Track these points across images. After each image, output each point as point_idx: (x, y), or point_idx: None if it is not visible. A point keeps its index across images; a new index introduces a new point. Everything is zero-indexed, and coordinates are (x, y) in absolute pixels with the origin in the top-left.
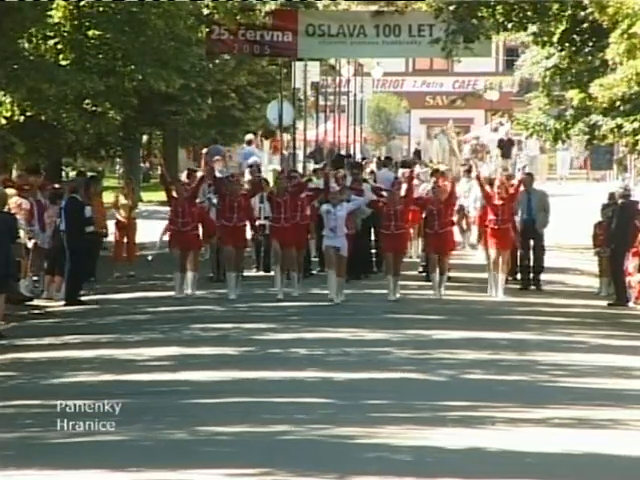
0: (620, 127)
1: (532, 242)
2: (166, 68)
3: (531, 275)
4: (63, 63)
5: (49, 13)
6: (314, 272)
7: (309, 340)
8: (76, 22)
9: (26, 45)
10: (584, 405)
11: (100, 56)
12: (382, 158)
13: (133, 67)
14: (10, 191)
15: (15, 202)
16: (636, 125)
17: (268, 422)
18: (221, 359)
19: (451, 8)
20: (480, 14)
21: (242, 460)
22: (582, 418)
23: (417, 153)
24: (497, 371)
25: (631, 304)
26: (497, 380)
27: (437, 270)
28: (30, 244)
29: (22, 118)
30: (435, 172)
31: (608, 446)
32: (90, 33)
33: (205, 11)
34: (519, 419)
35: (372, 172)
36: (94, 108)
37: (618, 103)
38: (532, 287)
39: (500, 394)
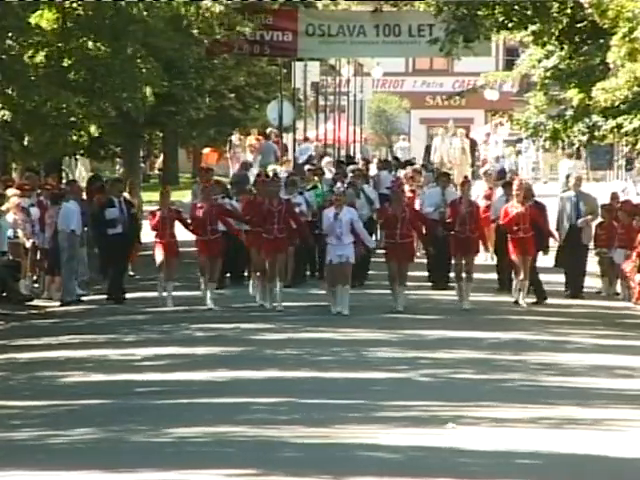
0: (620, 127)
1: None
2: (140, 91)
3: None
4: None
5: (30, 20)
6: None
7: (306, 340)
8: (61, 28)
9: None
10: (580, 405)
11: (81, 72)
12: (382, 159)
13: (111, 88)
14: (12, 191)
15: (14, 202)
16: (636, 124)
17: (263, 422)
18: (218, 359)
19: (451, 7)
20: (480, 13)
21: (237, 460)
22: (578, 418)
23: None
24: (493, 371)
25: (631, 304)
26: (493, 380)
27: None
28: (29, 244)
29: (9, 115)
30: (442, 175)
31: (604, 446)
32: (74, 43)
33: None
34: (514, 419)
35: (365, 175)
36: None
37: (619, 104)
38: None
39: (496, 394)
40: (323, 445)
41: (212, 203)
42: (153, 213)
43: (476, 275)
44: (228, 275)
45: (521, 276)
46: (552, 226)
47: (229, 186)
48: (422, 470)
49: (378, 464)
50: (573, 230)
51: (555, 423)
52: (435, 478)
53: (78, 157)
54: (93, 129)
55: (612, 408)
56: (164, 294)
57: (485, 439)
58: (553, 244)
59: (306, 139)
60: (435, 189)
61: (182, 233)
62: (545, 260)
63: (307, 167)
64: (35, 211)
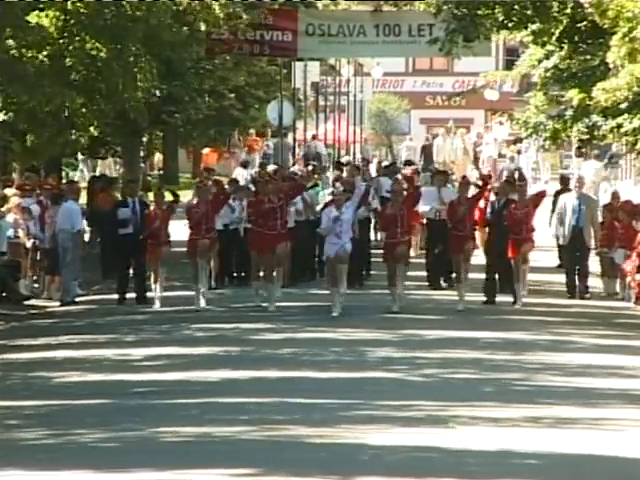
0: (620, 127)
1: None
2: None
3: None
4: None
5: (30, 19)
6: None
7: (306, 340)
8: (63, 28)
9: (12, 52)
10: (580, 405)
11: (83, 72)
12: (383, 165)
13: (113, 88)
14: (11, 191)
15: (15, 202)
16: (636, 124)
17: (264, 422)
18: (217, 359)
19: (451, 7)
20: (480, 13)
21: (238, 460)
22: (578, 418)
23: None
24: (492, 371)
25: (631, 304)
26: (492, 380)
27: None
28: (29, 244)
29: (2, 116)
30: (438, 174)
31: (604, 446)
32: (76, 43)
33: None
34: (514, 419)
35: (364, 173)
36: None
37: (619, 104)
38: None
39: (495, 394)
40: (323, 445)
41: (207, 201)
42: (148, 215)
43: (476, 275)
44: (230, 275)
45: (519, 276)
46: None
47: (227, 186)
48: (422, 470)
49: (379, 464)
50: (575, 231)
51: (555, 423)
52: (435, 478)
53: (99, 160)
54: (92, 129)
55: (612, 408)
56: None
57: (485, 439)
58: (554, 245)
59: (314, 137)
60: (431, 188)
61: (178, 233)
62: (547, 260)
63: (310, 167)
64: (36, 208)
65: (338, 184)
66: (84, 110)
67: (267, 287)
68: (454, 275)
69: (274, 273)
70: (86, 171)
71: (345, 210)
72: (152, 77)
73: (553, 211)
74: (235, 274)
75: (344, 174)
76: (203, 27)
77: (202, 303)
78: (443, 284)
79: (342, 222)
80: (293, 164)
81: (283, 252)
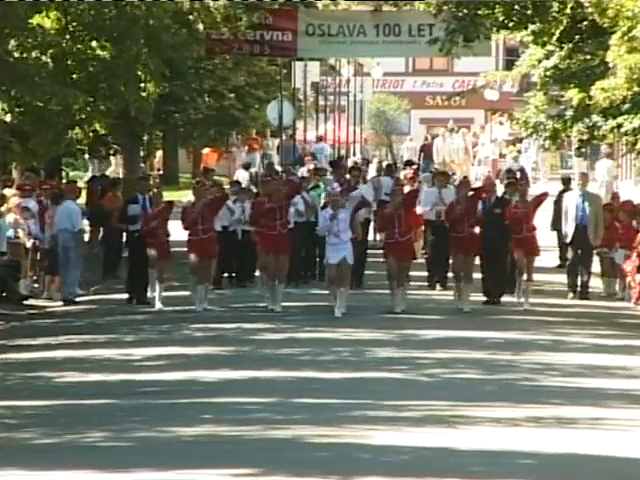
0: (620, 127)
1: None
2: (143, 90)
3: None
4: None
5: (31, 19)
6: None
7: (306, 340)
8: (64, 29)
9: (14, 53)
10: (580, 405)
11: (84, 72)
12: (386, 164)
13: (116, 89)
14: (10, 191)
15: (15, 202)
16: (636, 124)
17: (264, 422)
18: (217, 359)
19: (451, 7)
20: (480, 13)
21: (238, 460)
22: (578, 418)
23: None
24: (493, 371)
25: (631, 304)
26: (492, 380)
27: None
28: (29, 244)
29: (9, 117)
30: (439, 174)
31: (604, 446)
32: (77, 44)
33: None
34: (514, 419)
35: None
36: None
37: (618, 103)
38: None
39: (496, 394)
40: (324, 445)
41: (204, 202)
42: (146, 214)
43: (475, 275)
44: (227, 275)
45: (524, 277)
46: (547, 226)
47: (227, 186)
48: (422, 470)
49: (379, 464)
50: (579, 229)
51: (555, 423)
52: (436, 478)
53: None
54: (98, 126)
55: (612, 408)
56: (154, 294)
57: (486, 439)
58: (554, 245)
59: (320, 139)
60: (432, 188)
61: (178, 233)
62: (547, 260)
63: (311, 166)
64: (35, 206)
65: (335, 184)
66: (88, 108)
67: (270, 287)
68: (452, 275)
69: (276, 277)
70: (91, 172)
71: (342, 209)
72: (159, 75)
73: (556, 211)
74: (234, 275)
75: (341, 171)
76: (201, 27)
77: (199, 309)
78: (439, 287)
79: (339, 221)
80: (295, 163)
81: (284, 258)
